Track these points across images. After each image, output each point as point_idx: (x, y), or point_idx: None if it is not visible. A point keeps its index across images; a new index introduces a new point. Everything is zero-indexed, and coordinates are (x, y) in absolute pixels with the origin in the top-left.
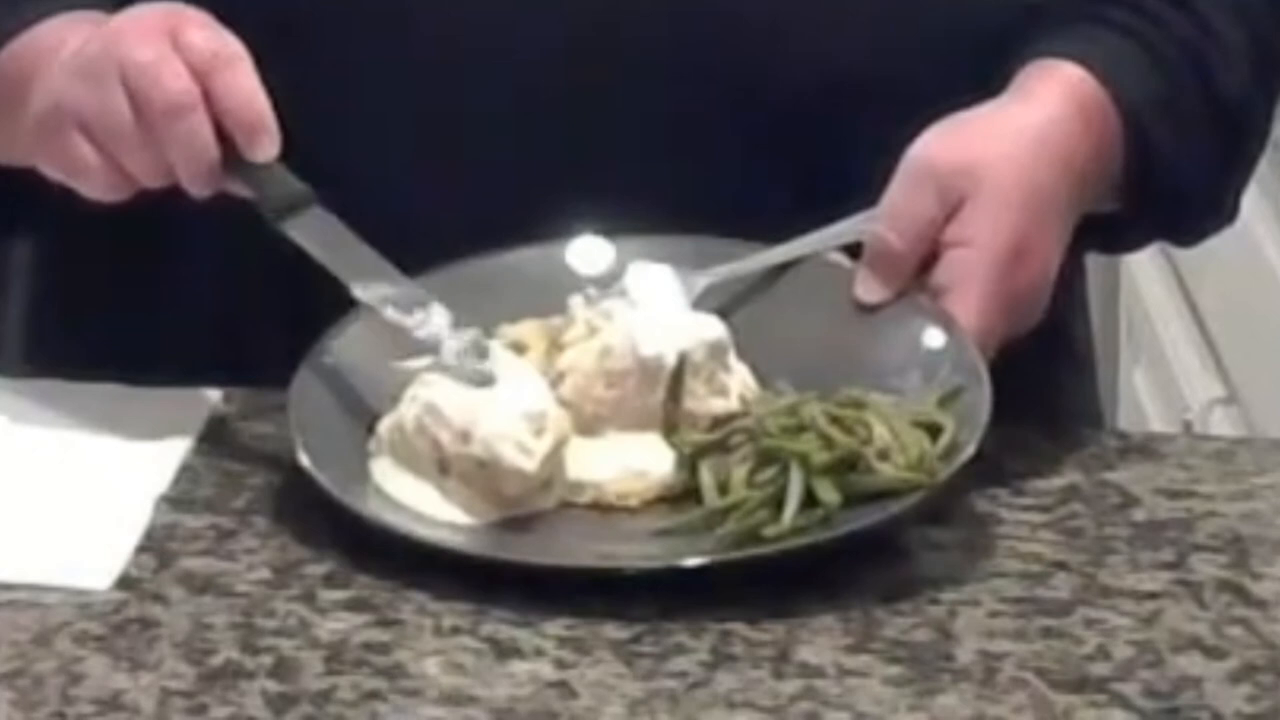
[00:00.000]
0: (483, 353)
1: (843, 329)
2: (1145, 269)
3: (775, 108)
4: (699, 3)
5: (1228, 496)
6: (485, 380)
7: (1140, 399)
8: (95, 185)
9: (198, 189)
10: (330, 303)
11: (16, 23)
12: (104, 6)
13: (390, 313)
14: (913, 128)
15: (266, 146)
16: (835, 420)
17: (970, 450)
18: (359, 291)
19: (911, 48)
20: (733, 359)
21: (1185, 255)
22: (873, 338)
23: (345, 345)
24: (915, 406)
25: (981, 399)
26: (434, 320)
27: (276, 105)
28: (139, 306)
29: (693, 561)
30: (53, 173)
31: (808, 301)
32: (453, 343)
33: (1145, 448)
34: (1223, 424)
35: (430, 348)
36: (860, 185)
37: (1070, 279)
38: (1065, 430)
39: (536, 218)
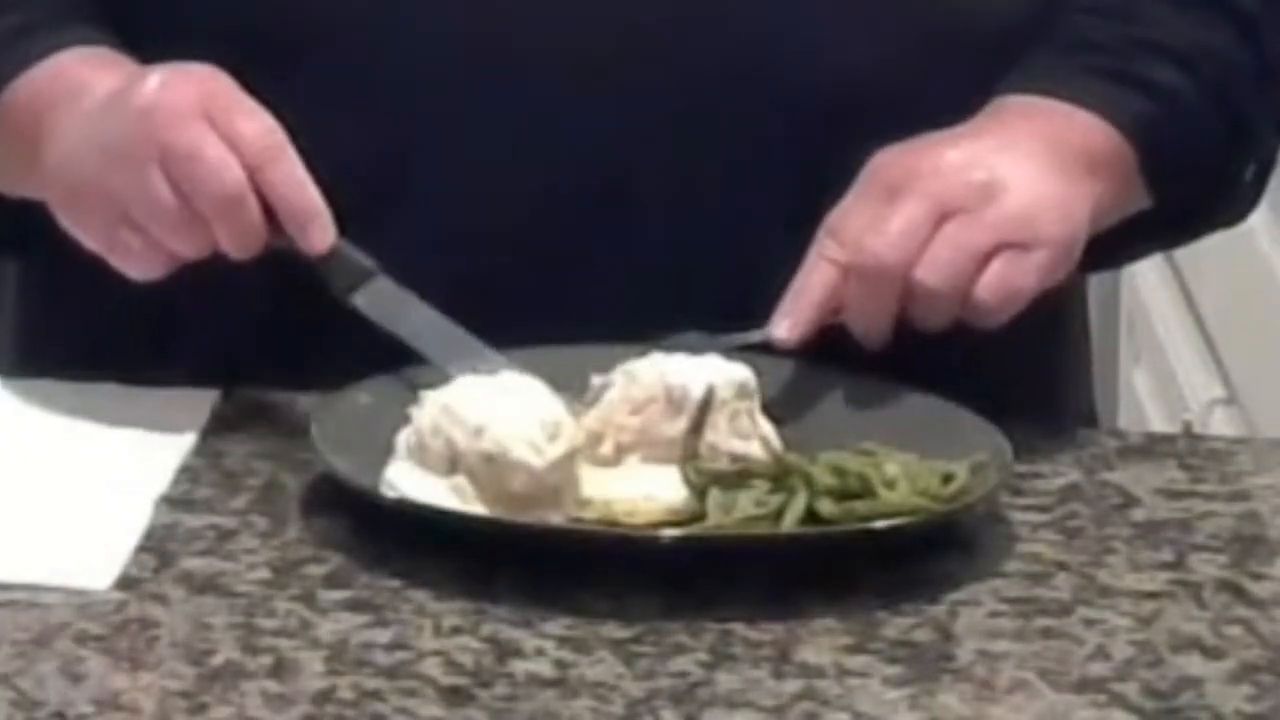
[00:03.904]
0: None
1: (872, 426)
2: (1145, 269)
3: (778, 114)
4: (704, 13)
5: (1228, 496)
6: None
7: (1140, 399)
8: (137, 266)
9: (245, 259)
10: (325, 303)
11: (38, 49)
12: (112, 38)
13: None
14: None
15: (322, 237)
16: (845, 463)
17: (982, 491)
18: (450, 371)
19: (913, 56)
20: (759, 413)
21: (1185, 255)
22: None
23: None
24: (931, 461)
25: (1000, 464)
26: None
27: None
28: (131, 313)
29: (694, 530)
30: (90, 246)
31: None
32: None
33: (1145, 448)
34: (1223, 424)
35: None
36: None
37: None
38: (1065, 430)
39: (547, 227)
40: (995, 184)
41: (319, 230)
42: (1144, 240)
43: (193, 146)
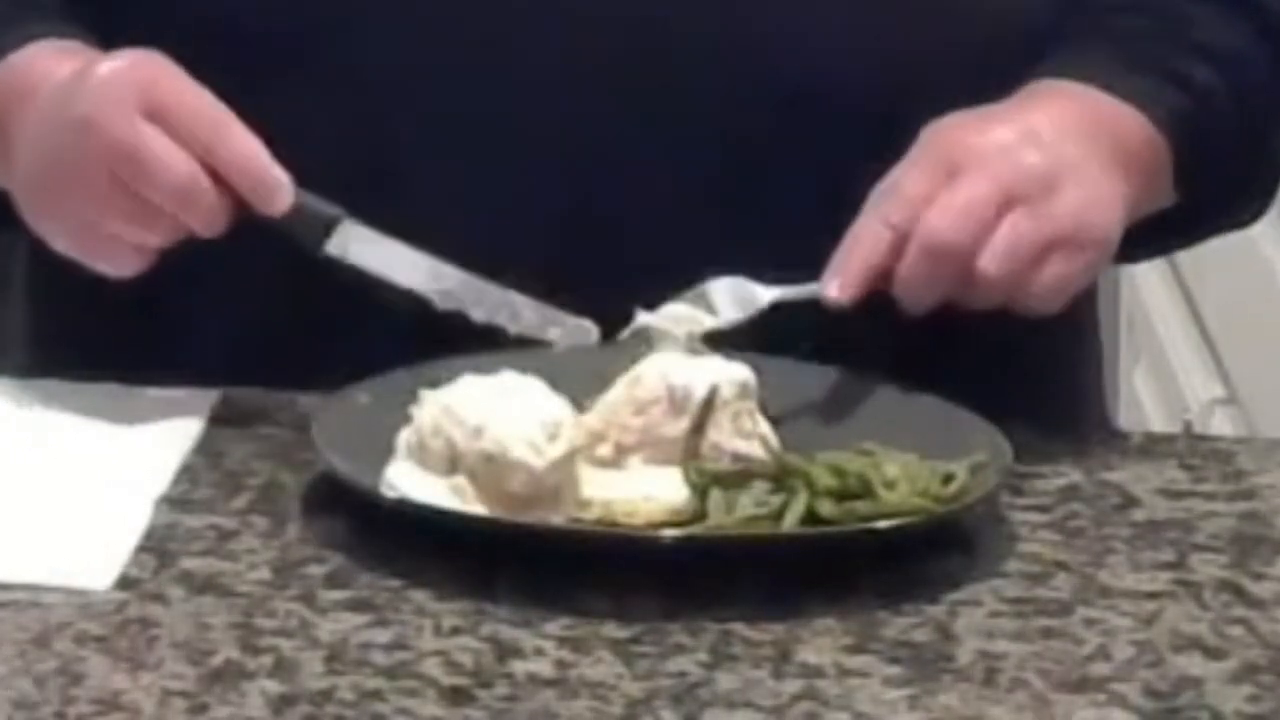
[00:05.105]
0: (587, 331)
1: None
2: (1145, 269)
3: (779, 115)
4: (701, 12)
5: (1228, 496)
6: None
7: (1140, 399)
8: (112, 266)
9: (217, 235)
10: (332, 302)
11: (11, 41)
12: (84, 33)
13: (478, 315)
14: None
15: (281, 198)
16: (846, 463)
17: (982, 491)
18: (440, 304)
19: (923, 61)
20: (759, 414)
21: (1185, 255)
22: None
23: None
24: (931, 461)
25: (1000, 464)
26: (524, 315)
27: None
28: (139, 310)
29: (695, 530)
30: (62, 251)
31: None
32: (555, 330)
33: (1145, 448)
34: (1223, 424)
35: (531, 341)
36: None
37: None
38: (1065, 430)
39: (542, 224)
40: (1055, 175)
41: (277, 195)
42: (1159, 239)
43: (135, 147)
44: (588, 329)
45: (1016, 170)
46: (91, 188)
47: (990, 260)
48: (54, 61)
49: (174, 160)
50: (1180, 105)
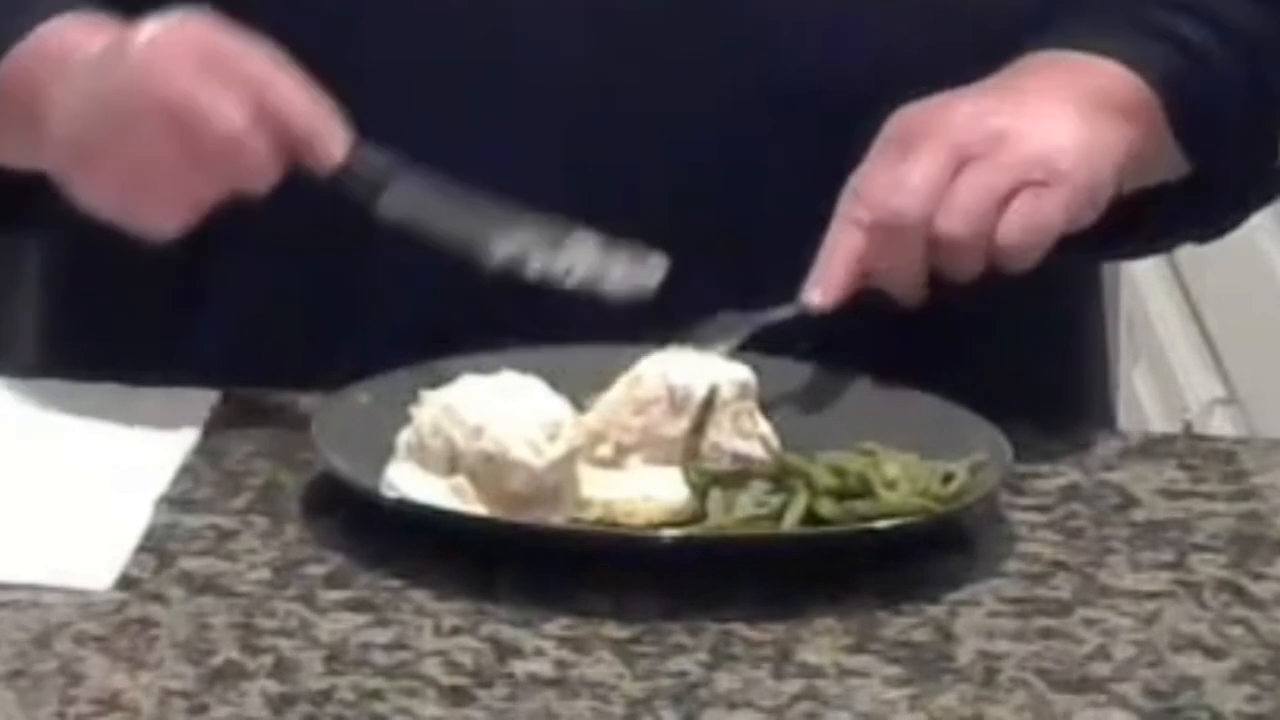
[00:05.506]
0: (644, 259)
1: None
2: (1145, 269)
3: (776, 114)
4: (700, 11)
5: (1228, 496)
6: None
7: (1140, 399)
8: (153, 222)
9: (264, 191)
10: (333, 302)
11: (19, 25)
12: (102, 7)
13: (535, 267)
14: None
15: (336, 147)
16: (846, 463)
17: (982, 491)
18: (497, 252)
19: (916, 56)
20: (759, 414)
21: (1185, 255)
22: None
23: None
24: (931, 461)
25: (1000, 464)
26: (580, 260)
27: None
28: (150, 310)
29: (695, 530)
30: (102, 212)
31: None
32: (615, 274)
33: (1145, 448)
34: (1223, 424)
35: (591, 286)
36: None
37: (1085, 273)
38: (1065, 430)
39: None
40: (1010, 129)
41: (331, 143)
42: (1185, 218)
43: (190, 94)
44: (654, 266)
45: (967, 132)
46: (144, 137)
47: (947, 220)
48: (85, 34)
49: (228, 108)
50: (1169, 61)
